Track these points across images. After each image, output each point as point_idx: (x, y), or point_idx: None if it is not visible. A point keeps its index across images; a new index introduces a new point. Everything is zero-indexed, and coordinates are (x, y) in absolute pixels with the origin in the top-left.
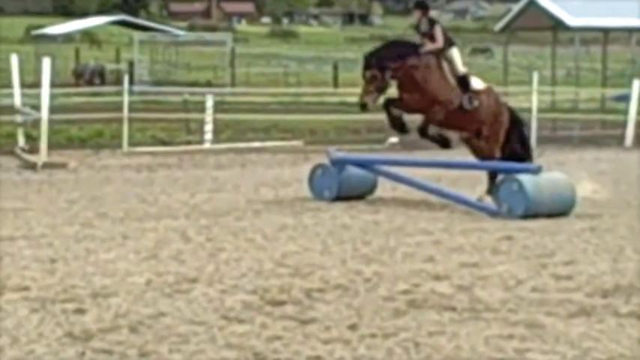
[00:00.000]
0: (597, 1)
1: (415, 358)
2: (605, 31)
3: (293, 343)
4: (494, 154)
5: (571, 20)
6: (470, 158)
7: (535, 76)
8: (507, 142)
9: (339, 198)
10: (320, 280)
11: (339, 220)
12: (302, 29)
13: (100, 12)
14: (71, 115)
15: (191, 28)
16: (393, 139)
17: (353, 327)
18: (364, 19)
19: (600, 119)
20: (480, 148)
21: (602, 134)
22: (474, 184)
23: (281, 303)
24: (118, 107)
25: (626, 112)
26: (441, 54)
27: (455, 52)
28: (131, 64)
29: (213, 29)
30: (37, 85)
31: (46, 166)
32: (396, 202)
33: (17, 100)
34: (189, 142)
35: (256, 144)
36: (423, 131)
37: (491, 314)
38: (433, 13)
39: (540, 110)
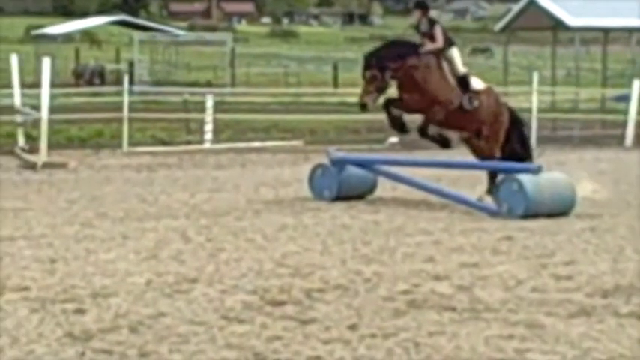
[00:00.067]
0: (597, 1)
1: (415, 358)
2: (605, 31)
3: (293, 343)
4: (494, 154)
5: (571, 20)
6: (470, 158)
7: (535, 76)
8: (507, 142)
9: (339, 198)
10: (320, 280)
11: (339, 220)
12: (302, 29)
13: (100, 12)
14: (71, 115)
15: (191, 28)
16: (393, 139)
17: (353, 327)
18: (364, 19)
19: (600, 119)
20: (480, 148)
21: (602, 134)
22: (474, 184)
23: (281, 303)
24: (118, 107)
25: (626, 112)
26: (441, 54)
27: (455, 52)
28: (131, 64)
29: (213, 29)
30: (37, 85)
31: (46, 166)
32: (396, 202)
33: (17, 100)
34: (189, 142)
35: (256, 144)
36: (423, 131)
37: (491, 314)
38: (433, 13)
39: (540, 110)
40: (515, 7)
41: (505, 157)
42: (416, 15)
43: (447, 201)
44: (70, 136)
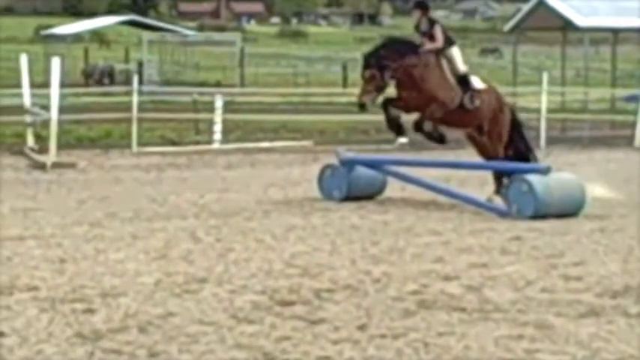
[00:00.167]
0: (607, 2)
1: (424, 359)
2: (615, 31)
3: (302, 344)
4: (499, 154)
5: (580, 20)
6: (478, 159)
7: (544, 77)
8: (511, 142)
9: (349, 198)
10: (329, 280)
11: (348, 220)
12: (311, 29)
13: (110, 12)
14: (80, 115)
15: (200, 28)
16: (402, 140)
17: (362, 327)
18: (373, 19)
19: (610, 120)
20: (484, 144)
21: (611, 135)
22: (482, 185)
23: (290, 303)
24: (127, 107)
25: (635, 113)
26: (440, 53)
27: (455, 51)
28: (140, 64)
29: (222, 29)
30: (46, 85)
31: (56, 166)
32: (405, 202)
33: (27, 100)
34: (198, 143)
35: (265, 144)
36: (418, 126)
37: (500, 315)
38: (442, 14)
39: (550, 110)
40: (525, 8)
41: (510, 157)
42: (416, 15)
43: (456, 201)
44: (80, 136)
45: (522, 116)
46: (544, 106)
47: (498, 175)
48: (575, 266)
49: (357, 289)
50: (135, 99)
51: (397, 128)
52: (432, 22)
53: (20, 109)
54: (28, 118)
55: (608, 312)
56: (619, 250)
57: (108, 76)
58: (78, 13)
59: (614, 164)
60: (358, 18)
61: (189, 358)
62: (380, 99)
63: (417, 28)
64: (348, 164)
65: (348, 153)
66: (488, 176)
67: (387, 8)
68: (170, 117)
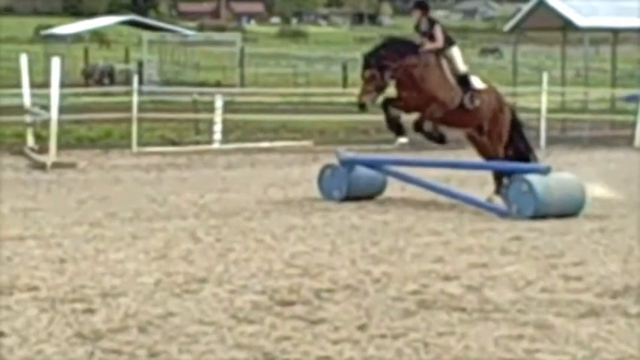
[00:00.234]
0: (607, 2)
1: (425, 359)
2: (615, 31)
3: (302, 344)
4: (499, 154)
5: (580, 20)
6: (478, 159)
7: (544, 77)
8: (511, 142)
9: (349, 198)
10: (329, 280)
11: (348, 220)
12: (311, 29)
13: (110, 12)
14: (80, 115)
15: (200, 28)
16: (402, 140)
17: (362, 327)
18: (373, 19)
19: (610, 120)
20: (484, 144)
21: (611, 135)
22: (482, 185)
23: (290, 303)
24: (127, 107)
25: (635, 113)
26: (440, 53)
27: (455, 51)
28: (140, 64)
29: (222, 29)
30: (46, 85)
31: (56, 166)
32: (405, 202)
33: (27, 100)
34: (198, 142)
35: (265, 144)
36: (418, 126)
37: (500, 315)
38: (442, 14)
39: (550, 111)
40: (525, 7)
41: (510, 157)
42: (416, 15)
43: (456, 201)
44: (80, 136)
45: (522, 116)
46: (544, 106)
47: (498, 175)
48: (575, 266)
49: (357, 289)
50: (135, 99)
51: (397, 128)
52: (432, 22)
53: (20, 109)
54: (28, 118)
55: (608, 312)
56: (619, 250)
57: (108, 76)
58: (78, 13)
59: (614, 164)
60: (358, 18)
61: (189, 358)
62: (380, 99)
63: (417, 28)
64: (348, 164)
65: (348, 153)
66: (488, 176)
67: (387, 8)
68: (170, 117)
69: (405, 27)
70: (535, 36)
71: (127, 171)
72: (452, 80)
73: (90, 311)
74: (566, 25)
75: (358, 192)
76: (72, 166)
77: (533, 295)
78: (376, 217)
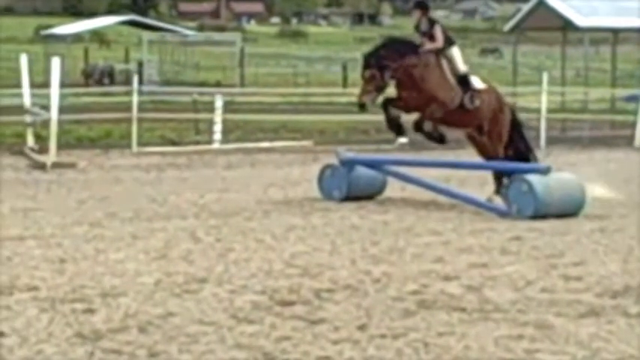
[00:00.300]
0: (607, 2)
1: (424, 359)
2: (615, 31)
3: (302, 344)
4: (499, 154)
5: (580, 20)
6: (478, 159)
7: (544, 77)
8: (511, 142)
9: (349, 198)
10: (329, 280)
11: (348, 220)
12: (311, 29)
13: (110, 12)
14: (80, 115)
15: (200, 28)
16: (403, 140)
17: (362, 327)
18: (373, 19)
19: (610, 120)
20: (484, 144)
21: (611, 135)
22: (482, 185)
23: (290, 303)
24: (127, 107)
25: (635, 113)
26: (440, 53)
27: (455, 51)
28: (140, 64)
29: (222, 29)
30: (46, 85)
31: (56, 166)
32: (405, 202)
33: (27, 100)
34: (198, 143)
35: (265, 144)
36: (418, 126)
37: (500, 315)
38: (442, 14)
39: (550, 111)
40: (525, 7)
41: (510, 157)
42: (416, 15)
43: (456, 201)
44: (80, 136)
45: (522, 116)
46: (544, 106)
47: (498, 175)
48: (575, 266)
49: (357, 289)
50: (135, 99)
51: (397, 128)
52: (432, 22)
53: (20, 109)
54: (28, 118)
55: (608, 312)
56: (619, 250)
57: (108, 76)
58: (78, 13)
59: (614, 164)
60: (358, 18)
61: (189, 358)
62: (380, 99)
63: (417, 28)
64: (348, 164)
65: (348, 153)
66: (488, 176)
67: (387, 8)
68: (170, 117)
69: (405, 27)
70: (535, 36)
71: (127, 171)
72: (452, 80)
73: (90, 311)
74: (566, 25)
75: (358, 192)
76: (72, 166)
77: (533, 295)
78: (376, 217)
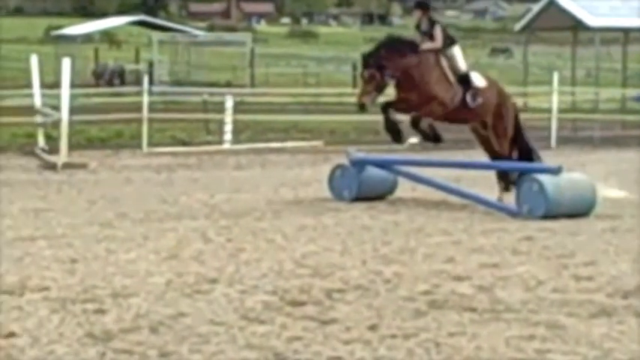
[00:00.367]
0: (618, 1)
1: (436, 359)
2: (626, 31)
3: (313, 344)
4: (505, 149)
5: (591, 20)
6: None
7: (555, 77)
8: (514, 142)
9: (359, 198)
10: (340, 280)
11: (359, 220)
12: (321, 29)
13: (120, 12)
14: (91, 116)
15: (210, 29)
16: (413, 140)
17: (373, 327)
18: (383, 19)
19: (621, 119)
20: (488, 139)
21: (622, 134)
22: (493, 185)
23: (301, 303)
24: (138, 108)
25: None
26: (440, 52)
27: (456, 50)
28: (151, 65)
29: (232, 29)
30: (56, 85)
31: (66, 166)
32: (415, 202)
33: (37, 101)
34: (208, 143)
35: (276, 144)
36: (414, 123)
37: (511, 315)
38: (453, 14)
39: (560, 110)
40: (535, 7)
41: (518, 157)
42: (416, 15)
43: (467, 201)
44: (90, 137)
45: (533, 116)
46: (555, 106)
47: (502, 174)
48: (587, 266)
49: (368, 289)
50: (145, 99)
51: (396, 134)
52: (433, 22)
53: (31, 110)
54: (38, 119)
55: (619, 312)
56: (630, 249)
57: (118, 77)
58: (88, 14)
59: (625, 164)
60: (368, 18)
61: (200, 359)
62: (380, 100)
63: (417, 27)
64: (359, 164)
65: (359, 153)
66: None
67: (396, 8)
68: (180, 117)
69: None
70: (546, 36)
71: (138, 171)
72: (452, 79)
73: (101, 311)
74: (577, 25)
75: (369, 192)
76: (83, 166)
77: (544, 295)
78: (387, 217)
